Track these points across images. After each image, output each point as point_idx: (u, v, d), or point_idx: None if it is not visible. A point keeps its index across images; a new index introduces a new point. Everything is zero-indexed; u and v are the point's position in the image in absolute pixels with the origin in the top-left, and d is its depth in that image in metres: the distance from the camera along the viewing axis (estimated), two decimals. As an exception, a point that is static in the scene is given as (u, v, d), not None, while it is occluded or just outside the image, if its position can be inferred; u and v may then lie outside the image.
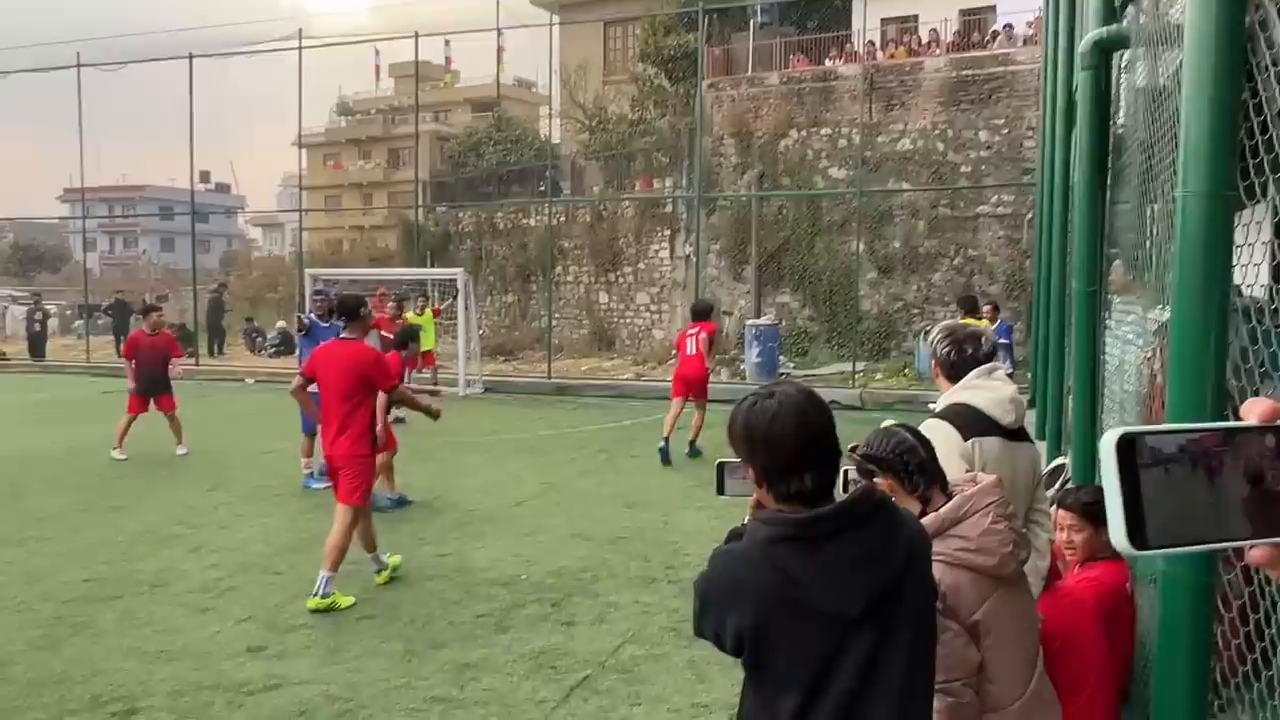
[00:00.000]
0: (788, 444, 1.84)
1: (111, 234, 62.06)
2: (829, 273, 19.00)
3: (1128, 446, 0.71)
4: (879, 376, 17.14)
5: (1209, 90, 1.97)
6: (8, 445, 11.48)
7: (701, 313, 11.09)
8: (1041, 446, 9.25)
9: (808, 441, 1.86)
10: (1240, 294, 2.20)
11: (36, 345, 23.45)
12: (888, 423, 2.84)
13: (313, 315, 9.88)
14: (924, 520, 2.35)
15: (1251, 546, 0.74)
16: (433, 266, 24.19)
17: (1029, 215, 17.06)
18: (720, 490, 2.11)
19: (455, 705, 4.39)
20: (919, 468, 2.45)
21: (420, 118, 22.99)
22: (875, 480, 2.44)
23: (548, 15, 24.23)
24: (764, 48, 21.21)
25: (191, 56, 20.56)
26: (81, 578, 6.24)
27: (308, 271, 18.87)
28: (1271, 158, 2.06)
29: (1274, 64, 2.04)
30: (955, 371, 2.96)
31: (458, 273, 17.52)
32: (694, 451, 10.41)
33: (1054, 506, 4.31)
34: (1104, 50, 4.81)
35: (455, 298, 17.12)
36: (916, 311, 18.54)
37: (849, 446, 2.51)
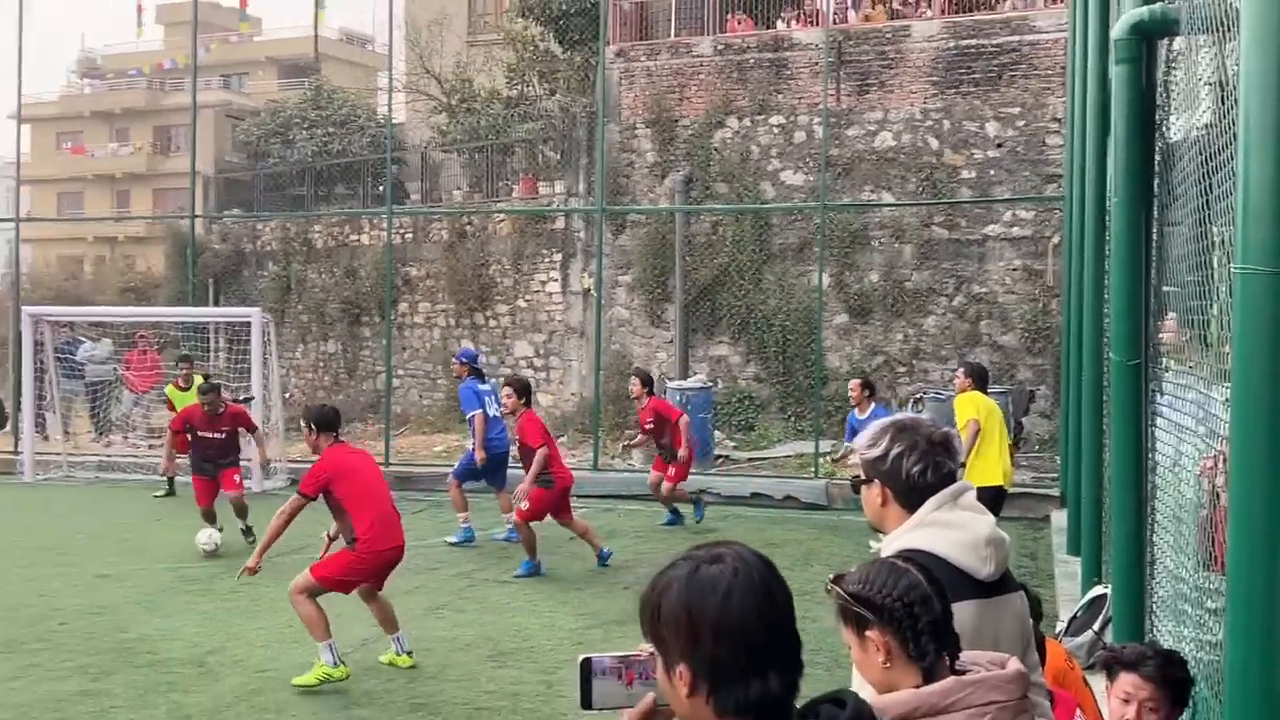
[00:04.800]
0: (749, 631, 1.81)
1: None
2: (782, 315, 19.33)
3: None
4: (853, 460, 17.40)
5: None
6: None
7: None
8: (1075, 564, 9.54)
9: (774, 629, 1.84)
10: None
11: None
12: (885, 546, 2.82)
13: None
14: (890, 699, 2.35)
15: None
16: (217, 302, 23.81)
17: (1054, 239, 17.55)
18: (586, 702, 2.03)
19: None
20: (931, 628, 2.43)
21: (203, 83, 22.77)
22: (866, 634, 2.43)
23: (388, -53, 24.34)
24: (691, 4, 21.68)
25: None
26: None
27: (25, 309, 18.30)
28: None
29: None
30: (918, 498, 2.96)
31: (253, 312, 17.24)
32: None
33: (1095, 665, 4.38)
34: (1145, 36, 5.06)
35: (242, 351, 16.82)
36: (903, 369, 18.95)
37: (830, 577, 2.50)
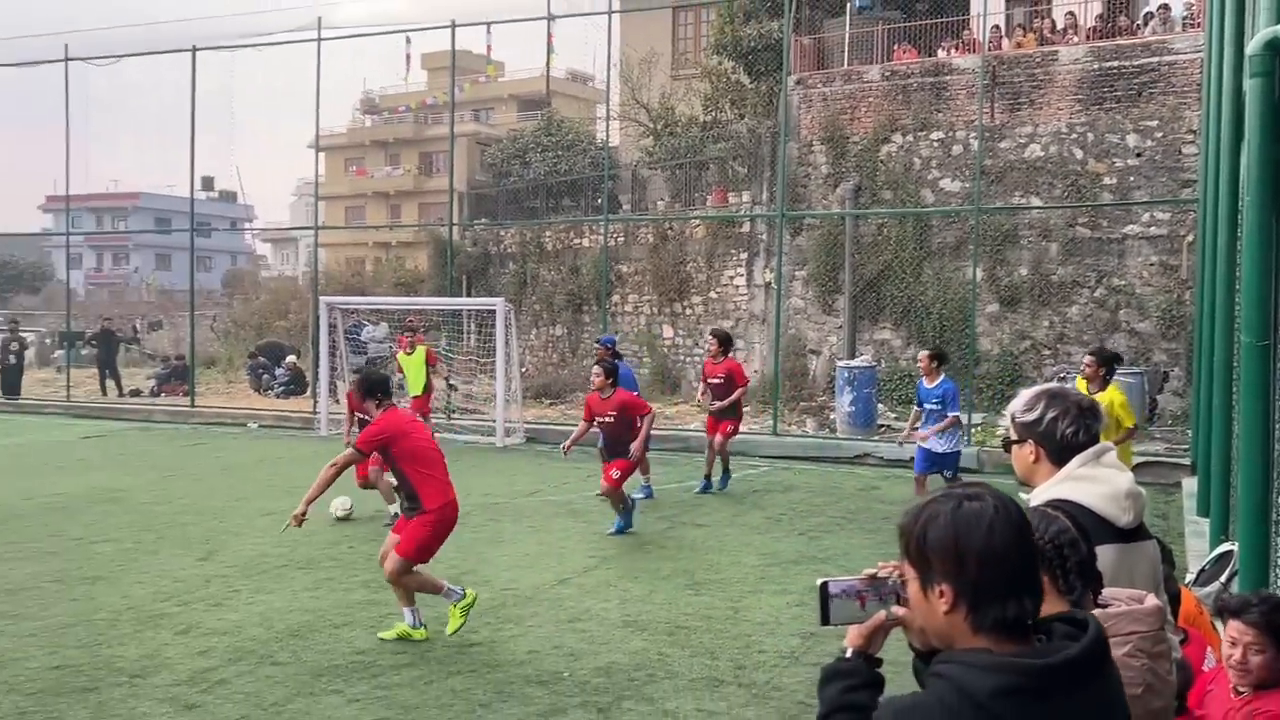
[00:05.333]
0: (1008, 559, 1.81)
1: (99, 249, 64.47)
2: (940, 305, 18.85)
3: None
4: (1000, 431, 16.86)
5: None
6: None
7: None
8: (1204, 525, 9.05)
9: (1026, 558, 1.84)
10: None
11: (10, 380, 24.15)
12: (1034, 498, 2.78)
13: None
14: None
15: None
16: (469, 294, 24.62)
17: (1189, 237, 16.74)
18: (825, 619, 2.03)
19: (480, 834, 4.39)
20: (1078, 567, 2.39)
21: (457, 116, 23.50)
22: None
23: (607, 1, 24.65)
24: (862, 37, 21.28)
25: (195, 49, 21.34)
26: (51, 664, 6.41)
27: (322, 299, 19.32)
28: None
29: None
30: (1067, 455, 2.89)
31: (497, 302, 17.75)
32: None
33: (1215, 608, 4.18)
34: (1277, 52, 4.74)
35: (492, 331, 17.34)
36: (1048, 353, 18.24)
37: None
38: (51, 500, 11.86)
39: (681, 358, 22.34)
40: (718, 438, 12.41)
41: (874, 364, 18.02)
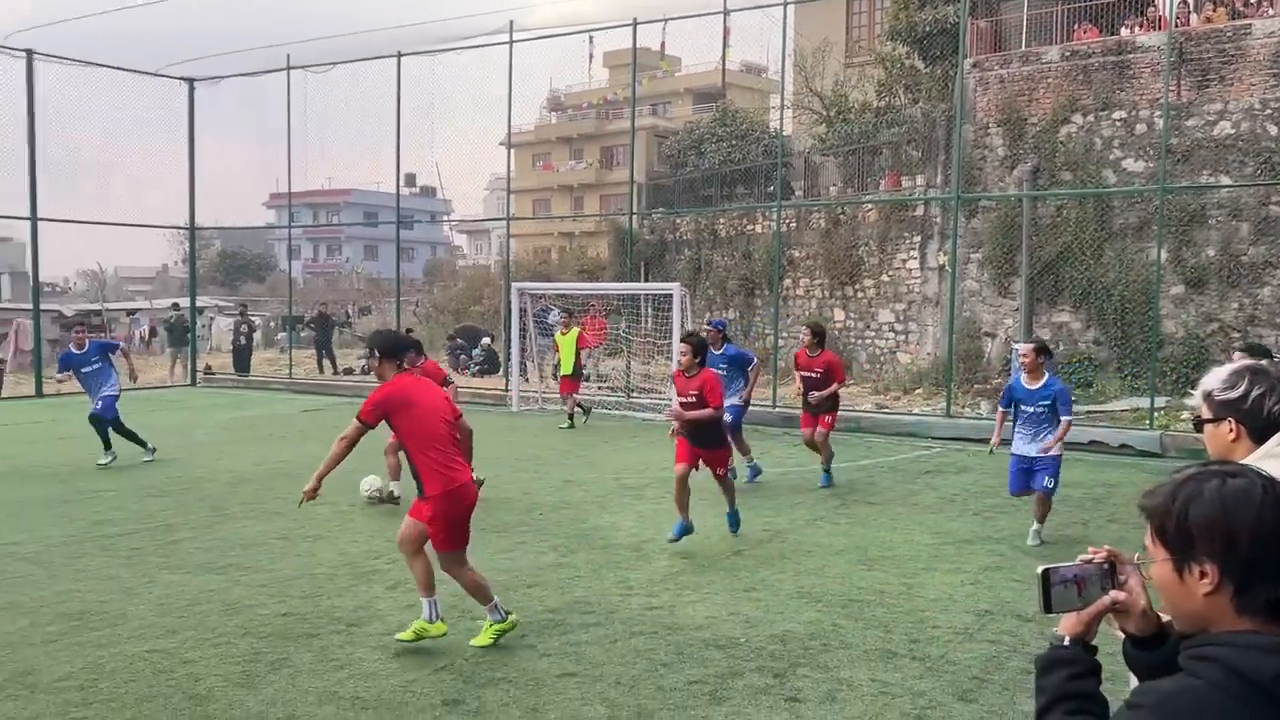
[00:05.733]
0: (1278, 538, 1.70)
1: (315, 241, 68.22)
2: (1121, 286, 17.85)
3: None
4: (1185, 416, 15.87)
5: None
6: (214, 465, 12.82)
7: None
8: None
9: None
10: None
11: (241, 359, 26.03)
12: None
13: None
14: None
15: None
16: (646, 279, 24.84)
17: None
18: (1047, 607, 1.92)
19: (663, 785, 4.45)
20: None
21: (636, 111, 23.66)
22: None
23: (782, -8, 24.27)
24: (1041, 18, 20.29)
25: (400, 55, 22.20)
26: (279, 611, 6.85)
27: (514, 285, 19.86)
28: None
29: None
30: (1269, 433, 2.70)
31: (673, 286, 17.84)
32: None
33: None
34: None
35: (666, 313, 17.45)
36: (1237, 335, 17.02)
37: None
38: (277, 466, 12.66)
39: (853, 340, 21.92)
40: (817, 431, 11.37)
41: (1052, 346, 17.23)
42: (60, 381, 13.72)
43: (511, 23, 21.37)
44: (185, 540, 8.87)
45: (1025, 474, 8.88)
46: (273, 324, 36.79)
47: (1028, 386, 8.77)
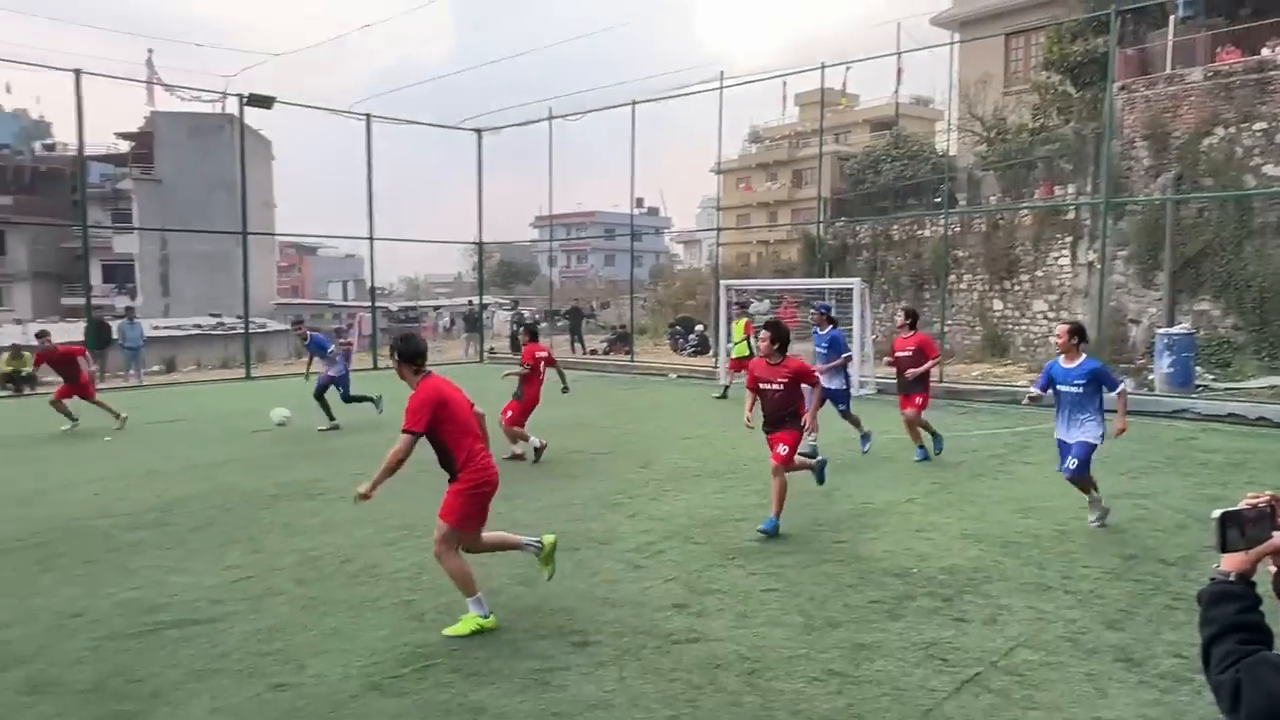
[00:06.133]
0: None
1: (568, 252, 70.64)
2: (1260, 279, 15.96)
3: None
4: (1325, 394, 14.06)
5: None
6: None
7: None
8: None
9: None
10: None
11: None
12: None
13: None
14: None
15: None
16: (830, 276, 24.27)
17: None
18: (1223, 547, 1.78)
19: (850, 681, 4.41)
20: None
21: (823, 140, 23.12)
22: None
23: (948, 34, 23.09)
24: (1185, 44, 18.32)
25: (634, 103, 22.61)
26: (549, 531, 7.19)
27: (722, 282, 19.89)
28: None
29: None
30: None
31: (854, 282, 17.37)
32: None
33: None
34: None
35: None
36: (1379, 321, 14.91)
37: None
38: (549, 422, 13.18)
39: (1009, 327, 20.67)
40: (909, 412, 9.93)
41: (1192, 331, 15.66)
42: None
43: (722, 73, 21.36)
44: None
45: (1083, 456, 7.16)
46: (537, 316, 38.47)
47: (1064, 366, 7.22)
